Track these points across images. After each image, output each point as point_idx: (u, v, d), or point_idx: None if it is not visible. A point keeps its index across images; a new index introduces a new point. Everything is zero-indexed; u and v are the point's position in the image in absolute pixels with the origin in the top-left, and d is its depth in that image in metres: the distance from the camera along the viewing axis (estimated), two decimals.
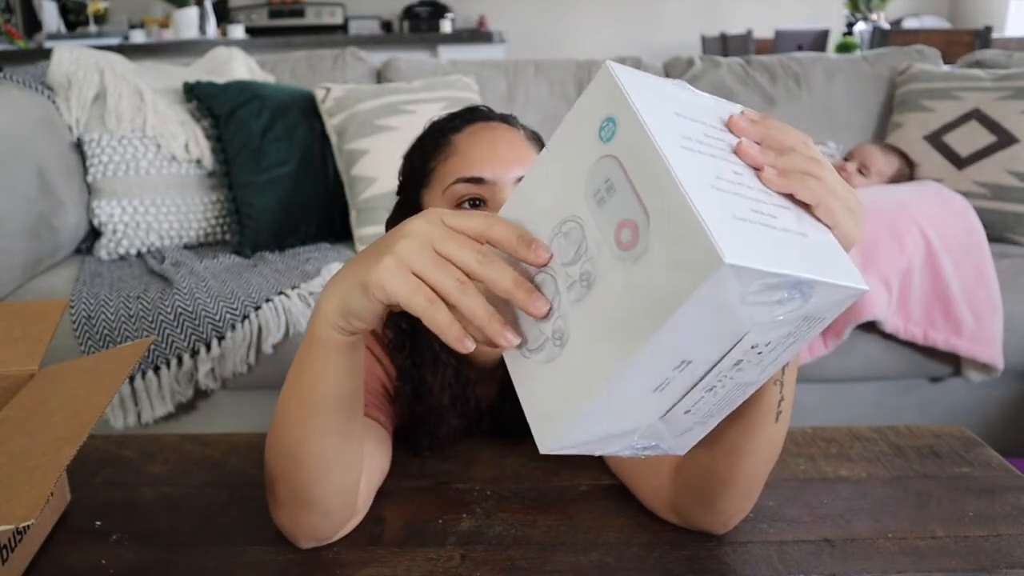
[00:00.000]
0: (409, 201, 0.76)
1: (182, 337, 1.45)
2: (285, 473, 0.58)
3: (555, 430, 0.44)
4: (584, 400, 0.42)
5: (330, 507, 0.60)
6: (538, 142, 0.76)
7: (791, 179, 0.42)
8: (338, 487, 0.60)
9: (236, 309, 1.47)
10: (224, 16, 4.66)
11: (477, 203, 0.70)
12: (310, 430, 0.56)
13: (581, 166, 0.43)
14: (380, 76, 2.14)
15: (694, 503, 0.62)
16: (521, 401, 0.45)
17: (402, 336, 0.74)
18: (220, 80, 1.86)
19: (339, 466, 0.58)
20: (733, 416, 0.53)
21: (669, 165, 0.40)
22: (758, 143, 0.43)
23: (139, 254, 1.76)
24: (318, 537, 0.62)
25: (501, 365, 0.78)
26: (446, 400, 0.74)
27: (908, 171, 1.96)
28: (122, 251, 1.74)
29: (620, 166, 0.41)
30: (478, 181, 0.69)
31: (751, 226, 0.39)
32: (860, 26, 4.31)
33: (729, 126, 0.44)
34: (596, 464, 0.74)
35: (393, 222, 0.78)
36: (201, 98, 1.79)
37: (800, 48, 4.09)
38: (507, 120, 0.76)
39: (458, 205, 0.70)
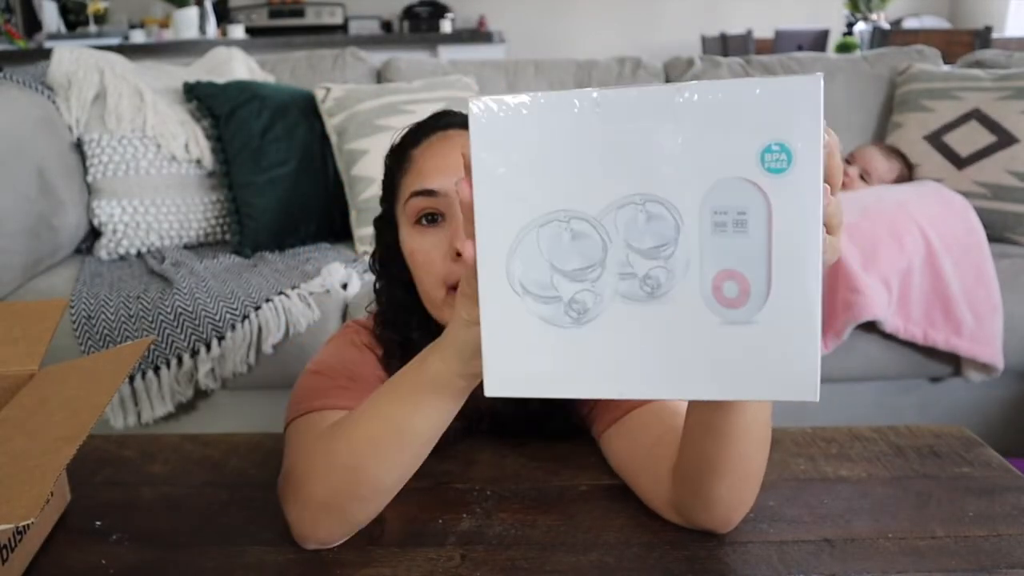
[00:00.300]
0: (387, 214, 0.77)
1: (182, 337, 1.45)
2: (336, 484, 0.59)
3: (509, 383, 0.40)
4: (570, 387, 0.40)
5: (360, 522, 0.63)
6: None
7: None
8: (378, 508, 0.63)
9: (236, 309, 1.47)
10: (224, 16, 4.65)
11: (434, 217, 0.69)
12: (392, 460, 0.58)
13: (711, 165, 0.36)
14: (380, 76, 2.14)
15: (693, 497, 0.62)
16: (483, 326, 0.40)
17: (393, 347, 0.75)
18: (220, 80, 1.86)
19: (391, 494, 0.62)
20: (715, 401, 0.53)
21: (819, 245, 0.36)
22: None
23: (139, 254, 1.76)
24: (327, 543, 0.63)
25: None
26: None
27: (908, 173, 1.96)
28: (122, 251, 1.74)
29: (768, 208, 0.36)
30: (430, 193, 0.69)
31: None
32: (860, 26, 4.31)
33: None
34: (596, 464, 0.74)
35: (378, 228, 0.78)
36: (201, 98, 1.79)
37: (800, 48, 4.09)
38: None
39: (417, 219, 0.70)
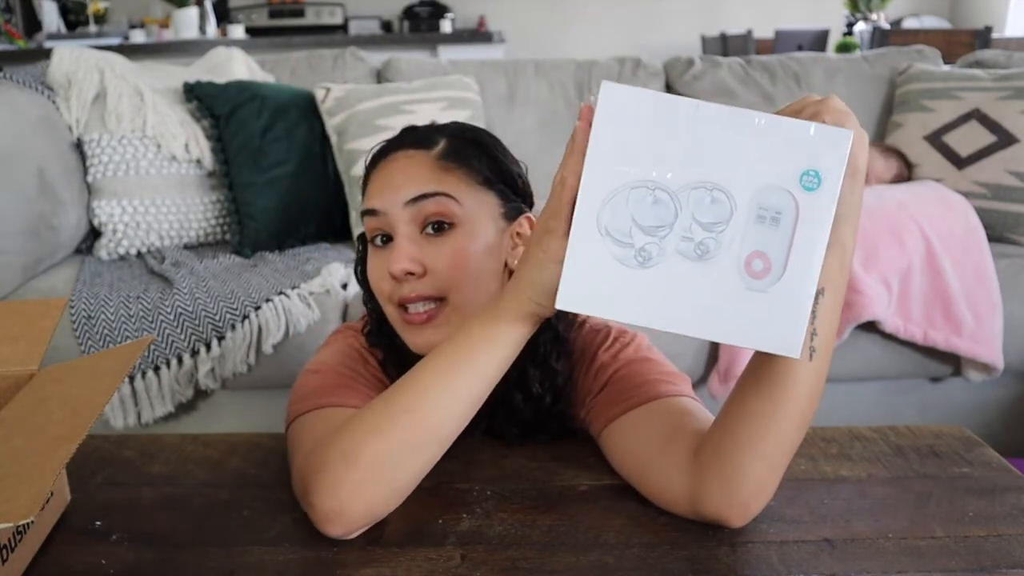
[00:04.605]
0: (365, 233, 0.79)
1: (182, 337, 1.45)
2: (394, 431, 0.60)
3: (578, 301, 0.51)
4: (623, 313, 0.51)
5: (404, 488, 0.63)
6: (474, 146, 0.75)
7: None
8: (426, 466, 0.62)
9: (236, 309, 1.47)
10: (224, 16, 4.65)
11: (386, 238, 0.72)
12: (455, 392, 0.60)
13: (765, 173, 0.49)
14: (380, 76, 2.14)
15: (716, 477, 0.61)
16: (568, 253, 0.51)
17: (390, 354, 0.77)
18: (220, 80, 1.86)
19: (443, 443, 0.62)
20: (766, 357, 0.58)
21: (823, 250, 0.49)
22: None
23: (139, 254, 1.76)
24: (354, 523, 0.62)
25: None
26: None
27: (907, 173, 1.96)
28: (122, 251, 1.74)
29: (796, 213, 0.49)
30: (373, 213, 0.72)
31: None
32: (860, 26, 4.31)
33: None
34: (596, 464, 0.74)
35: (358, 246, 0.80)
36: (201, 98, 1.79)
37: (800, 48, 4.09)
38: (420, 142, 0.74)
39: (372, 239, 0.73)
